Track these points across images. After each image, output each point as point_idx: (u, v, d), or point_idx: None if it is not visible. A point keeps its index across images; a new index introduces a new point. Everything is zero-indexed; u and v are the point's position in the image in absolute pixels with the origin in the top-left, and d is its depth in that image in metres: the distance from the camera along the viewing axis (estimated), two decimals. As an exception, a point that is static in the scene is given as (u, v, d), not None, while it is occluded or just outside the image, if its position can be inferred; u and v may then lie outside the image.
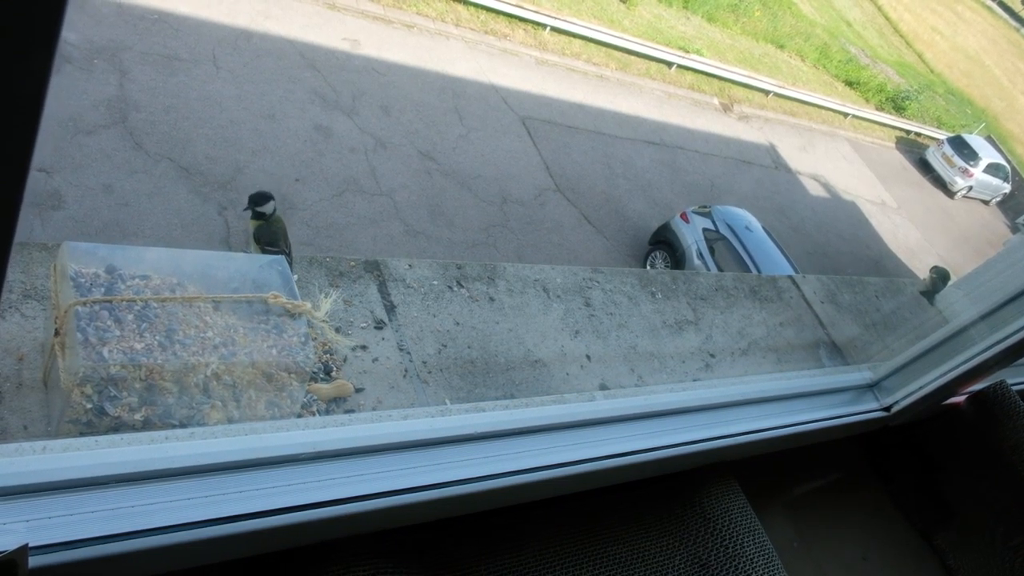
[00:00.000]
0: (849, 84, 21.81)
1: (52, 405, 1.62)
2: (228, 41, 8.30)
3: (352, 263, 2.57)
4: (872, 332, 4.30)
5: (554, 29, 12.78)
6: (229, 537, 0.83)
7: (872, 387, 1.63)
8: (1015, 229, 21.63)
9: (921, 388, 1.57)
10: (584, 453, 1.13)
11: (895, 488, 1.77)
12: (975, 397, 1.70)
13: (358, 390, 2.23)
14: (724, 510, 1.32)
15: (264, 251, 2.24)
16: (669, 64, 14.74)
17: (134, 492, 0.80)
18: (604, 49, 13.64)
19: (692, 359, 3.19)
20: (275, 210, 2.30)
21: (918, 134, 22.21)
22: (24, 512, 0.74)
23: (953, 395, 1.64)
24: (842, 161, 17.41)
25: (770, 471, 1.58)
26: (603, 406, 1.22)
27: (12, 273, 1.83)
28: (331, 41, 9.38)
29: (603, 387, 2.81)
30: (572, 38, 13.16)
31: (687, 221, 9.32)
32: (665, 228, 9.59)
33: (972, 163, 20.13)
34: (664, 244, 9.52)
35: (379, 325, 2.44)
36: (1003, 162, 21.45)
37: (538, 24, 12.58)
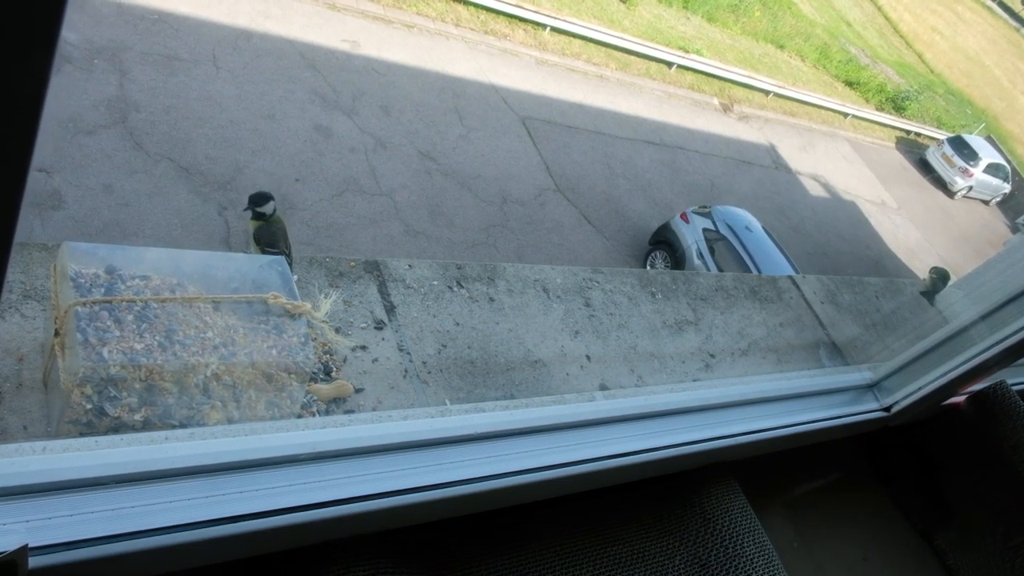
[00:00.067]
0: (849, 84, 21.82)
1: (52, 405, 1.62)
2: (228, 41, 8.30)
3: (352, 263, 2.57)
4: (872, 332, 4.30)
5: (554, 29, 12.78)
6: (230, 537, 0.83)
7: (872, 387, 1.63)
8: (1015, 229, 21.63)
9: (921, 388, 1.57)
10: (584, 453, 1.13)
11: (895, 488, 1.77)
12: (975, 397, 1.70)
13: (358, 390, 2.23)
14: (724, 510, 1.32)
15: (264, 252, 2.24)
16: (669, 64, 14.74)
17: (134, 492, 0.80)
18: (604, 49, 13.64)
19: (692, 359, 3.19)
20: (275, 210, 2.30)
21: (918, 134, 22.22)
22: (24, 513, 0.74)
23: (953, 395, 1.64)
24: (842, 161, 17.41)
25: (770, 471, 1.58)
26: (603, 406, 1.22)
27: (12, 273, 1.83)
28: (331, 41, 9.38)
29: (603, 387, 2.81)
30: (572, 38, 13.17)
31: (687, 221, 9.32)
32: (665, 228, 9.59)
33: (972, 163, 20.13)
34: (664, 244, 9.52)
35: (379, 325, 2.44)
36: (1003, 162, 21.45)
37: (538, 24, 12.59)
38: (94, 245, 1.69)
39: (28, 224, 5.46)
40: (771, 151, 15.16)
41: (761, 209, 11.50)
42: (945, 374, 1.56)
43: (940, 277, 6.01)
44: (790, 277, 4.21)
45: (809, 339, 3.81)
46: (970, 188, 20.70)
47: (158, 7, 7.93)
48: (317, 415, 2.07)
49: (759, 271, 8.65)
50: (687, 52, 15.22)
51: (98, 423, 1.53)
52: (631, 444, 1.18)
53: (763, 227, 9.71)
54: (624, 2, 15.87)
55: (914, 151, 21.26)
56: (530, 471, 1.06)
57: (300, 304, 1.81)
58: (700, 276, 3.85)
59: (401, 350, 2.42)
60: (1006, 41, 38.58)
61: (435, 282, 2.70)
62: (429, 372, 2.43)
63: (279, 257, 1.99)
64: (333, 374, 2.22)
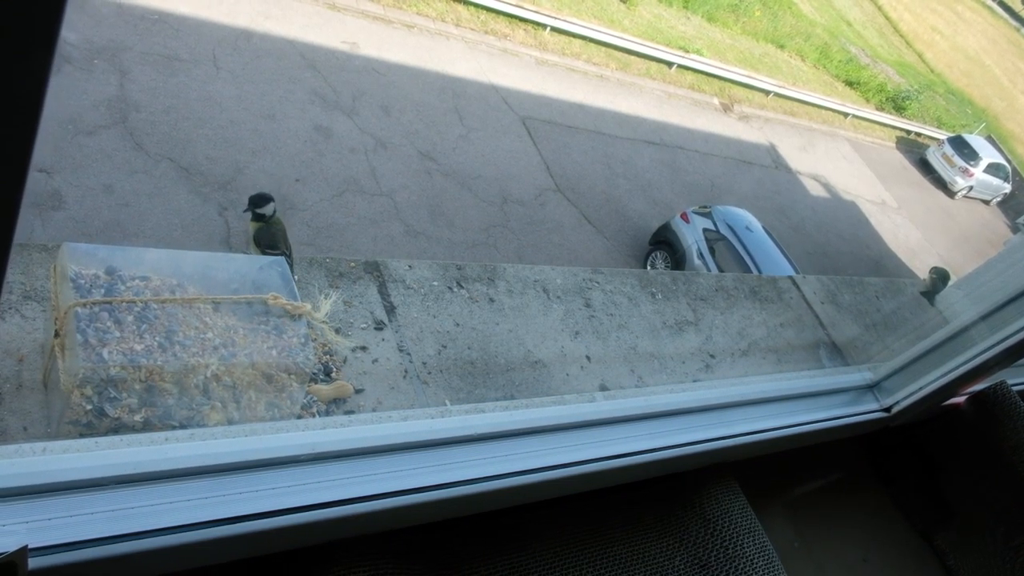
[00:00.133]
0: (849, 84, 21.82)
1: (52, 406, 1.62)
2: (228, 41, 8.30)
3: (352, 264, 2.57)
4: (872, 333, 4.30)
5: (554, 29, 12.78)
6: (230, 538, 0.83)
7: (872, 388, 1.63)
8: (1015, 229, 21.62)
9: (921, 389, 1.57)
10: (584, 454, 1.13)
11: (895, 489, 1.77)
12: (975, 397, 1.70)
13: (358, 391, 2.23)
14: (724, 511, 1.32)
15: (264, 253, 2.24)
16: (669, 64, 14.74)
17: (134, 493, 0.80)
18: (604, 49, 13.64)
19: (692, 360, 3.19)
20: (275, 212, 2.30)
21: (918, 134, 22.21)
22: (24, 513, 0.74)
23: (953, 395, 1.64)
24: (842, 161, 17.41)
25: (770, 472, 1.57)
26: (603, 407, 1.22)
27: (12, 274, 1.83)
28: (331, 41, 9.38)
29: (603, 388, 2.81)
30: (572, 38, 13.17)
31: (687, 221, 9.32)
32: (665, 228, 9.59)
33: (972, 163, 20.12)
34: (664, 244, 9.51)
35: (379, 326, 2.44)
36: (1003, 162, 21.44)
37: (538, 24, 12.59)
38: (94, 246, 1.69)
39: (28, 224, 5.46)
40: (771, 151, 15.16)
41: (761, 209, 11.50)
42: (945, 374, 1.56)
43: (940, 277, 6.00)
44: (790, 277, 4.21)
45: (809, 339, 3.80)
46: (970, 188, 20.69)
47: (158, 7, 7.93)
48: (317, 416, 2.07)
49: (759, 271, 8.65)
50: (687, 52, 15.22)
51: (98, 424, 1.53)
52: (631, 445, 1.18)
53: (763, 227, 9.70)
54: (624, 2, 15.87)
55: (914, 151, 21.26)
56: (530, 471, 1.06)
57: (300, 305, 1.81)
58: (700, 276, 3.85)
59: (401, 351, 2.42)
60: (1006, 41, 38.57)
61: (435, 283, 2.70)
62: (429, 373, 2.43)
63: (279, 258, 1.99)
64: (333, 375, 2.22)
